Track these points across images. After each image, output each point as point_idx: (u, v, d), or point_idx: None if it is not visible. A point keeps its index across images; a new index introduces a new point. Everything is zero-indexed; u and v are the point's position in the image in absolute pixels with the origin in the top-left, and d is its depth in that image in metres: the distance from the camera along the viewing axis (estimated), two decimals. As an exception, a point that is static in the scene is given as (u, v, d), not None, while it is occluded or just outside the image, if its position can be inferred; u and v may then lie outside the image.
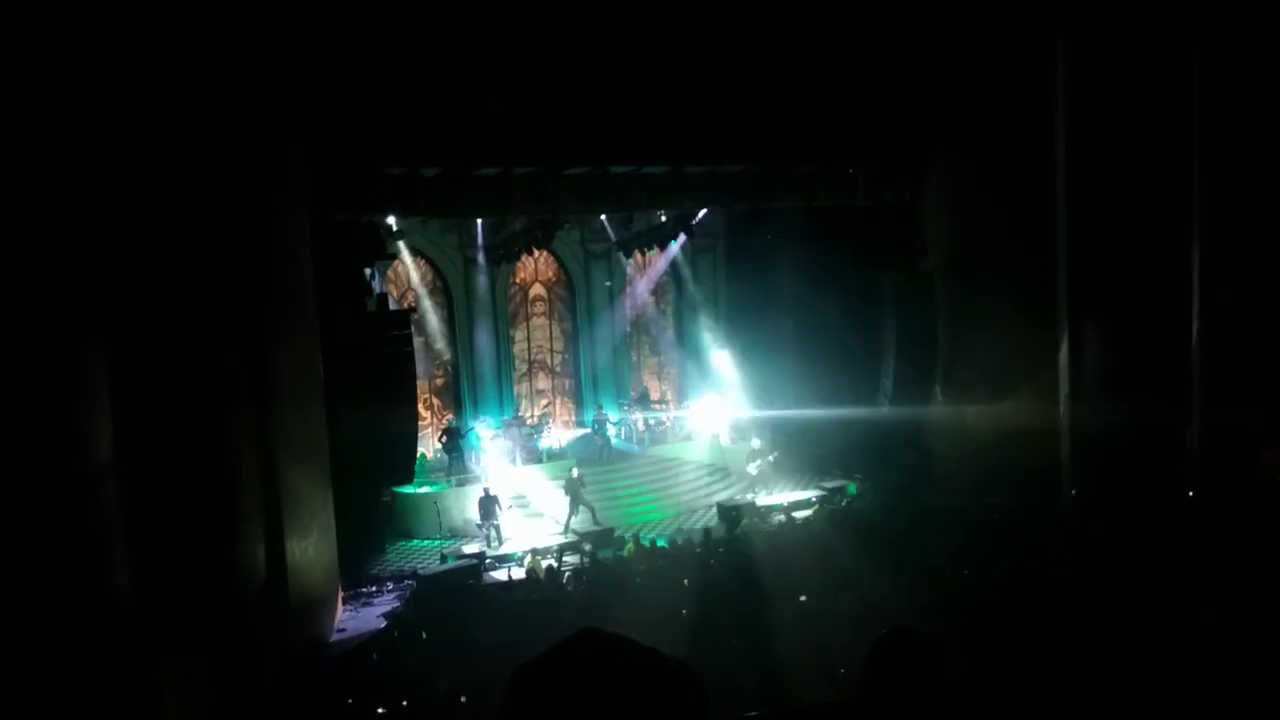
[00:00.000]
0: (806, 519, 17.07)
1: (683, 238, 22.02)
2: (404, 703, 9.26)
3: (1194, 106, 14.60)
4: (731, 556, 14.83)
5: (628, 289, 23.56)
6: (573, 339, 23.05)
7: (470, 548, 16.79)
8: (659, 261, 23.05)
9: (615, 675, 1.54)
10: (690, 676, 1.62)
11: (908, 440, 19.09)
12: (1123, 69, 14.95)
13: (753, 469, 19.91)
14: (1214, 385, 15.01)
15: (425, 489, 18.54)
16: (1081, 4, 14.62)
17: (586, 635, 1.59)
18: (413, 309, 19.42)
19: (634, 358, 23.82)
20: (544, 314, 22.90)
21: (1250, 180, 14.27)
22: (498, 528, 17.21)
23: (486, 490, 17.50)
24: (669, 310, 24.23)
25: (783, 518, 17.49)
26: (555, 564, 15.48)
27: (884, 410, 18.83)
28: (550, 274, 22.84)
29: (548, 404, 22.80)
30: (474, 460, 19.68)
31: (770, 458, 20.00)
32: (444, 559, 16.35)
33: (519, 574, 15.37)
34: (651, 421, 22.06)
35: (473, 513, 17.59)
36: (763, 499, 19.15)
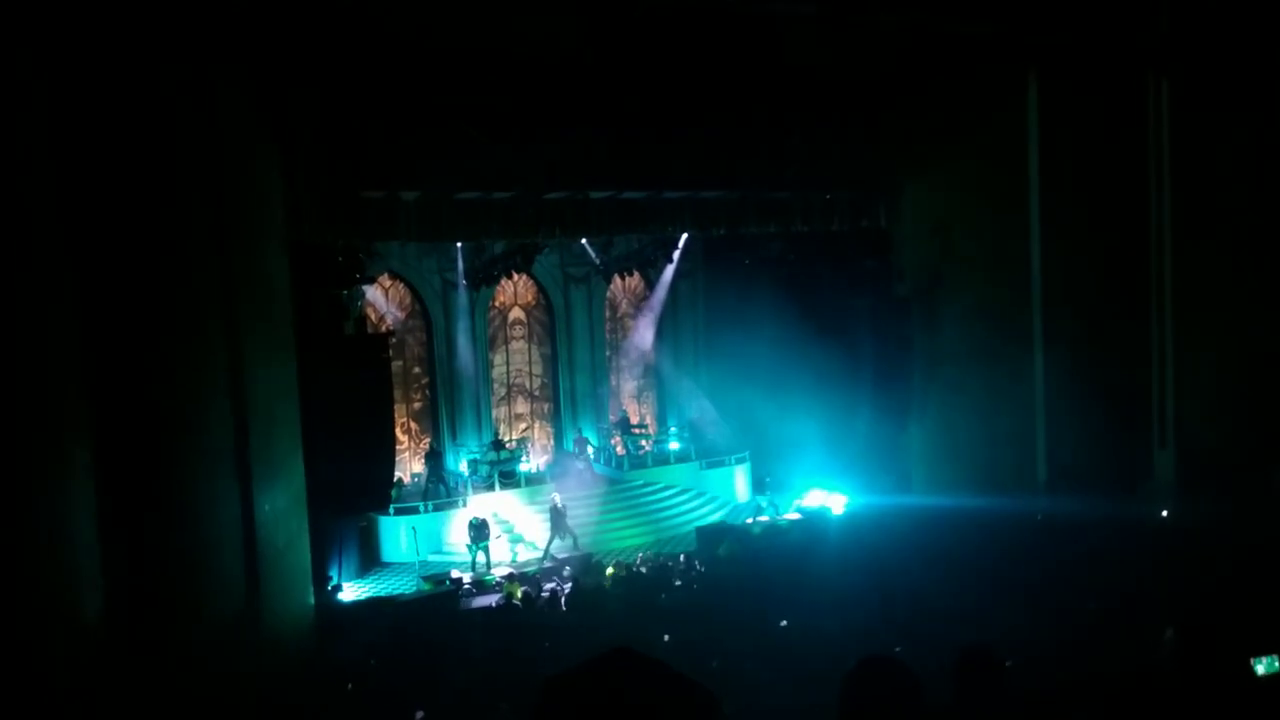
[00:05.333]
0: (783, 528, 17.09)
1: (671, 267, 22.13)
2: (379, 732, 9.13)
3: (1163, 132, 14.93)
4: (712, 581, 14.79)
5: (607, 313, 23.61)
6: (552, 363, 23.01)
7: (500, 571, 16.68)
8: (654, 296, 23.13)
9: (647, 694, 1.57)
10: (713, 704, 1.66)
11: (886, 463, 19.18)
12: (1092, 98, 15.27)
13: (764, 502, 19.92)
14: (1186, 408, 15.23)
15: (402, 514, 18.38)
16: (1052, 35, 14.94)
17: (619, 654, 1.62)
18: (391, 333, 19.33)
19: (613, 382, 23.81)
20: (523, 338, 22.86)
21: (1219, 203, 14.57)
22: (487, 552, 17.08)
23: (478, 515, 17.40)
24: (650, 335, 24.25)
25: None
26: (533, 590, 15.36)
27: (862, 433, 18.92)
28: (530, 298, 22.83)
29: (526, 428, 22.71)
30: (453, 485, 19.55)
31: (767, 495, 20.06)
32: (421, 585, 16.18)
33: (497, 600, 15.25)
34: (631, 446, 22.02)
35: (460, 537, 17.48)
36: (742, 523, 19.16)
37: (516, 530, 18.74)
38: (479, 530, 17.05)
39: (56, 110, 7.32)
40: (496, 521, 18.19)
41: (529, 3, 12.84)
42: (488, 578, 16.29)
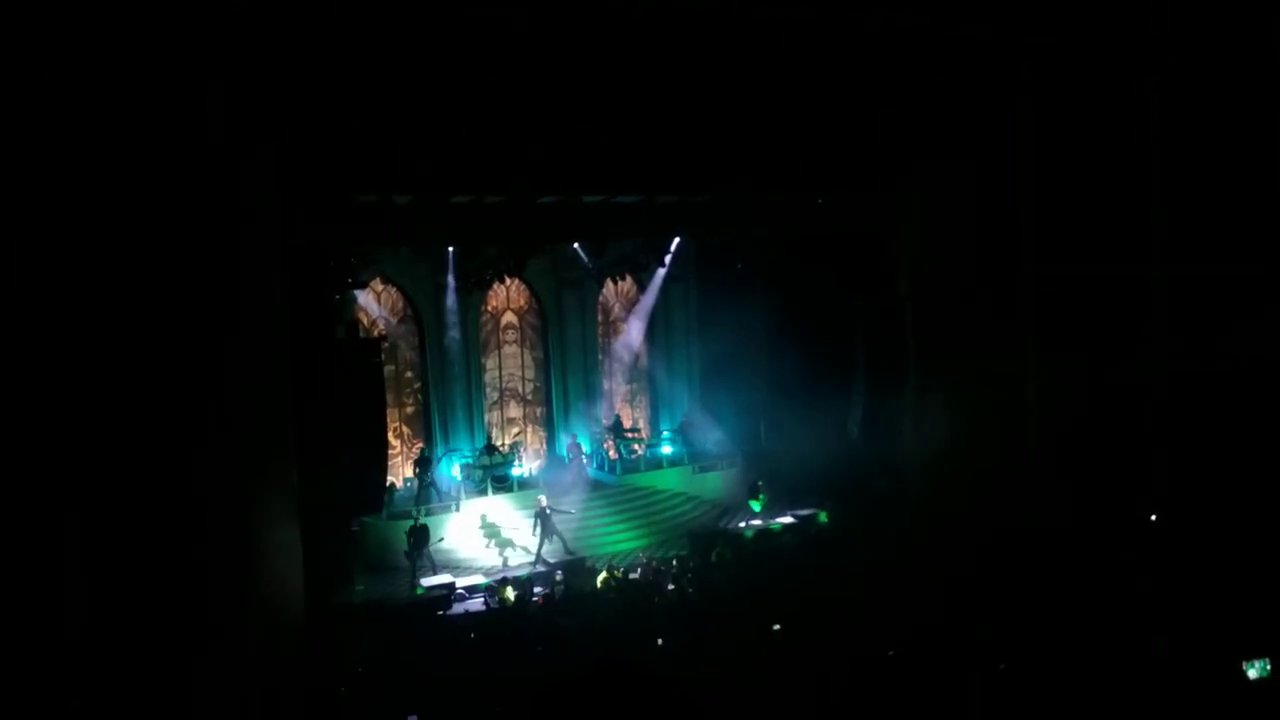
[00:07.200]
0: (776, 532, 17.05)
1: (663, 270, 22.12)
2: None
3: (1155, 134, 15.01)
4: (704, 585, 14.80)
5: (600, 317, 23.60)
6: (544, 367, 22.97)
7: (442, 578, 16.57)
8: (645, 299, 23.12)
9: (636, 707, 1.56)
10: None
11: (879, 467, 19.19)
12: (1087, 100, 15.35)
13: (755, 505, 19.90)
14: (1180, 412, 15.28)
15: (394, 519, 18.31)
16: (1046, 37, 15.01)
17: (606, 666, 1.62)
18: (383, 337, 19.27)
19: (606, 386, 23.78)
20: (515, 342, 22.82)
21: (1210, 206, 14.64)
22: (429, 558, 16.99)
23: (415, 521, 17.34)
24: (642, 339, 24.25)
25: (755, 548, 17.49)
26: (525, 594, 15.32)
27: (855, 437, 18.93)
28: (522, 302, 22.81)
29: (519, 432, 22.68)
30: (446, 489, 19.49)
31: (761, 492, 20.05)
32: (413, 589, 16.12)
33: (489, 603, 15.22)
34: (624, 449, 22.00)
35: (457, 540, 17.44)
36: (735, 527, 19.16)
37: (506, 535, 18.70)
38: (419, 536, 16.99)
39: (51, 111, 7.30)
40: (480, 526, 18.09)
41: (524, 4, 12.84)
42: (482, 584, 16.24)
